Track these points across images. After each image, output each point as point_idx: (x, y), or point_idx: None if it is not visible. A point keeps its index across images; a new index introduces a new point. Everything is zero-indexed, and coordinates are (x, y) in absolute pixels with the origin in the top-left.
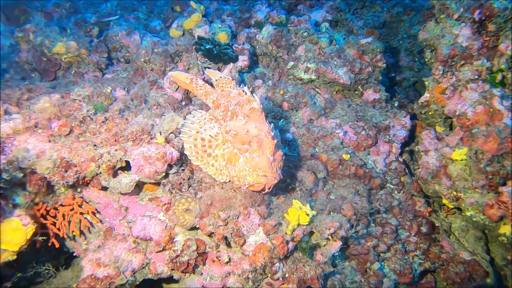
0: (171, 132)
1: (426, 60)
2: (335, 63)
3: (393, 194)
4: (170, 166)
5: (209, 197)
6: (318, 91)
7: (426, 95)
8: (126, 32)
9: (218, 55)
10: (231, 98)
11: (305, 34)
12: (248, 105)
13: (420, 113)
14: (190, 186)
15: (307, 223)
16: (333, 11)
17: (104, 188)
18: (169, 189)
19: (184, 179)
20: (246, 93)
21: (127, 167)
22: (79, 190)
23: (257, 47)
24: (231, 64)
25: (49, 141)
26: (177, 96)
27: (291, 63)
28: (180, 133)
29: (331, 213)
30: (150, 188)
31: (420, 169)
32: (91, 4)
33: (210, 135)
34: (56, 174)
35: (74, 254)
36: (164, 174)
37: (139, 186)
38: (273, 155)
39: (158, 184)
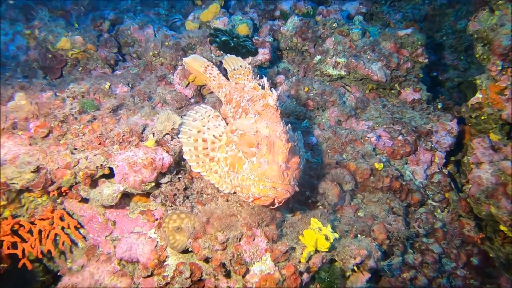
0: (166, 133)
1: (477, 56)
2: (368, 57)
3: (435, 214)
4: (163, 174)
5: (205, 213)
6: (349, 89)
7: (478, 96)
8: (139, 25)
9: (235, 48)
10: (245, 92)
11: (335, 25)
12: (261, 101)
13: (470, 117)
14: (187, 198)
15: (327, 249)
16: (367, 3)
17: (85, 200)
18: (162, 202)
19: (179, 190)
20: (262, 87)
21: (112, 175)
22: (59, 201)
23: (282, 40)
24: (250, 58)
25: (30, 144)
26: (187, 93)
27: (318, 57)
28: (178, 134)
29: (359, 236)
30: (143, 198)
31: (470, 185)
32: (110, 0)
33: (213, 135)
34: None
35: (58, 274)
36: (153, 183)
37: (129, 196)
38: (287, 162)
39: (148, 195)
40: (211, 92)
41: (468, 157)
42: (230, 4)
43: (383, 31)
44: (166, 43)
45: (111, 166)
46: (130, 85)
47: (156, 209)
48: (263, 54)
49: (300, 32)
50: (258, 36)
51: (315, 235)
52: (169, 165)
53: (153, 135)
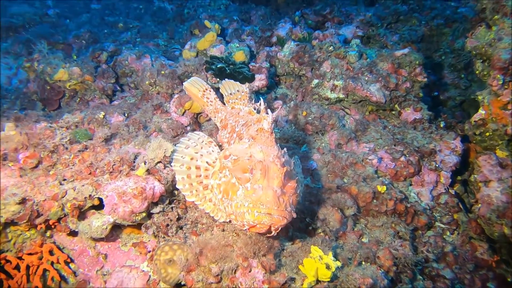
0: (158, 162)
1: (477, 72)
2: (366, 78)
3: (444, 237)
4: (155, 204)
5: (198, 244)
6: (348, 111)
7: (481, 112)
8: (137, 56)
9: (231, 75)
10: (240, 117)
11: (331, 48)
12: (256, 125)
13: (474, 135)
14: (180, 228)
15: (329, 279)
16: (364, 26)
17: (74, 233)
18: (154, 233)
19: (171, 220)
20: (258, 111)
21: (102, 206)
22: (48, 234)
23: (279, 66)
24: (247, 84)
25: (20, 176)
26: (183, 121)
27: (316, 81)
28: (171, 162)
29: (363, 263)
30: (136, 230)
31: (479, 205)
32: (111, 33)
33: (207, 162)
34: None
35: None
36: (144, 214)
37: (121, 228)
38: (282, 187)
39: (140, 226)
40: (209, 120)
41: (475, 176)
42: (227, 32)
43: (380, 52)
44: (163, 72)
45: (100, 197)
46: (126, 115)
47: (149, 240)
48: (260, 80)
49: (297, 57)
50: (255, 63)
51: (315, 264)
52: (161, 194)
53: (145, 164)
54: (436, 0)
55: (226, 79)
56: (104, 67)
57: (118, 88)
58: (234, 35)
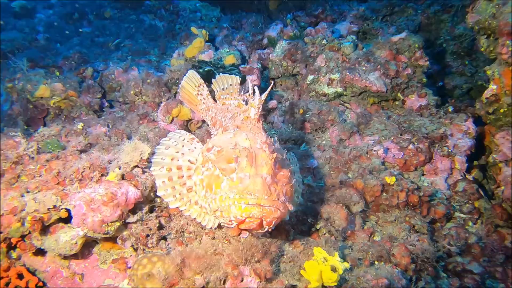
0: (135, 166)
1: (482, 49)
2: (364, 68)
3: (467, 227)
4: (132, 212)
5: (181, 253)
6: (348, 106)
7: (492, 87)
8: (124, 69)
9: None
10: (229, 112)
11: (324, 41)
12: (242, 115)
13: (487, 114)
14: (163, 238)
15: (336, 282)
16: (358, 21)
17: (44, 252)
18: (132, 245)
19: (151, 229)
20: (246, 103)
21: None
22: (15, 255)
23: (272, 68)
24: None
25: None
26: (172, 128)
27: (311, 77)
28: (150, 165)
29: (376, 263)
30: (117, 246)
31: (502, 187)
32: (102, 53)
33: (189, 161)
34: None
35: None
36: (118, 224)
37: (98, 243)
38: (273, 176)
39: (114, 239)
40: (200, 127)
41: (494, 156)
42: (218, 40)
43: (376, 40)
44: (148, 81)
45: (68, 208)
46: (110, 126)
47: (130, 255)
48: (252, 81)
49: (289, 55)
50: (247, 65)
51: (319, 267)
52: (136, 200)
53: (119, 169)
54: None
55: (220, 74)
56: (89, 82)
57: (107, 104)
58: (225, 41)
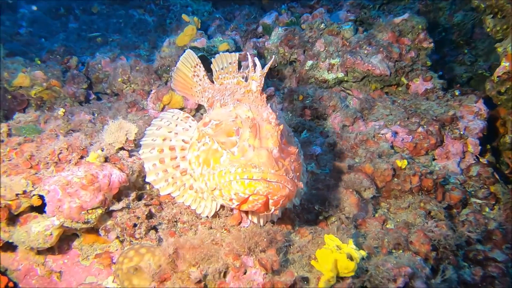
0: (121, 148)
1: (488, 30)
2: (366, 52)
3: (484, 213)
4: (118, 199)
5: (174, 244)
6: (350, 92)
7: (505, 65)
8: (111, 58)
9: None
10: (227, 90)
11: (322, 25)
12: (242, 89)
13: (498, 94)
14: (153, 229)
15: (353, 273)
16: (354, 9)
17: (11, 246)
18: (118, 236)
19: (139, 218)
20: (247, 79)
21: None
22: None
23: (268, 57)
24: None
25: None
26: None
27: (310, 62)
28: (138, 149)
29: (393, 251)
30: (102, 239)
31: None
32: (89, 47)
33: (183, 140)
34: None
35: None
36: (100, 211)
37: (79, 237)
38: (280, 148)
39: (97, 231)
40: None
41: (510, 136)
42: (210, 30)
43: (377, 22)
44: (137, 68)
45: (41, 194)
46: (96, 114)
47: (116, 250)
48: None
49: (286, 40)
50: (241, 52)
51: (332, 255)
52: (121, 183)
53: (102, 151)
54: None
55: (220, 53)
56: (74, 72)
57: (93, 96)
58: (218, 31)
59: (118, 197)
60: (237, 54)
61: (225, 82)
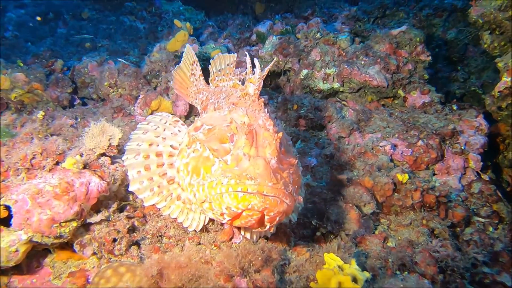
0: (102, 154)
1: (485, 46)
2: (363, 62)
3: (488, 233)
4: (97, 211)
5: (158, 262)
6: (345, 104)
7: (506, 80)
8: (98, 63)
9: (205, 70)
10: (222, 92)
11: (318, 35)
12: (238, 92)
13: (499, 109)
14: (135, 244)
15: None
16: (349, 22)
17: None
18: (95, 253)
19: (120, 232)
20: (243, 82)
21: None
22: None
23: (261, 66)
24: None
25: None
26: None
27: (305, 72)
28: (122, 155)
29: (398, 272)
30: (77, 255)
31: None
32: (76, 52)
33: (171, 146)
34: None
35: None
36: (75, 224)
37: (52, 253)
38: (278, 158)
39: (71, 245)
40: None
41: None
42: (202, 37)
43: (374, 34)
44: (125, 72)
45: (7, 204)
46: (79, 119)
47: (93, 267)
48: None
49: (281, 49)
50: None
51: (335, 278)
52: (100, 192)
53: (81, 156)
54: None
55: (219, 54)
56: (58, 75)
57: (78, 101)
58: (210, 39)
59: (97, 209)
60: (235, 54)
61: (221, 84)
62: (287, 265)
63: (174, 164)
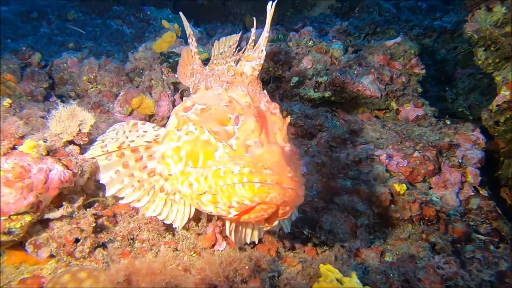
0: (70, 141)
1: (479, 63)
2: (356, 72)
3: (490, 251)
4: (58, 206)
5: (126, 267)
6: (336, 114)
7: (504, 94)
8: (79, 59)
9: None
10: (214, 75)
11: (310, 43)
12: (231, 71)
13: (496, 124)
14: (101, 246)
15: None
16: (340, 36)
17: None
18: (52, 255)
19: (83, 231)
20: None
21: None
22: None
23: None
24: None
25: None
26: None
27: (295, 79)
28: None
29: None
30: (32, 259)
31: None
32: (58, 51)
33: (146, 142)
34: None
35: None
36: (29, 218)
37: (2, 255)
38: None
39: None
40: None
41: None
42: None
43: (368, 44)
44: (106, 67)
45: None
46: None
47: (50, 273)
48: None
49: (272, 55)
50: None
51: None
52: (63, 182)
53: (44, 142)
54: (412, 14)
55: (226, 36)
56: (35, 68)
57: (55, 97)
58: (198, 43)
59: (58, 203)
60: (239, 34)
61: (216, 68)
62: (275, 278)
63: (154, 155)
